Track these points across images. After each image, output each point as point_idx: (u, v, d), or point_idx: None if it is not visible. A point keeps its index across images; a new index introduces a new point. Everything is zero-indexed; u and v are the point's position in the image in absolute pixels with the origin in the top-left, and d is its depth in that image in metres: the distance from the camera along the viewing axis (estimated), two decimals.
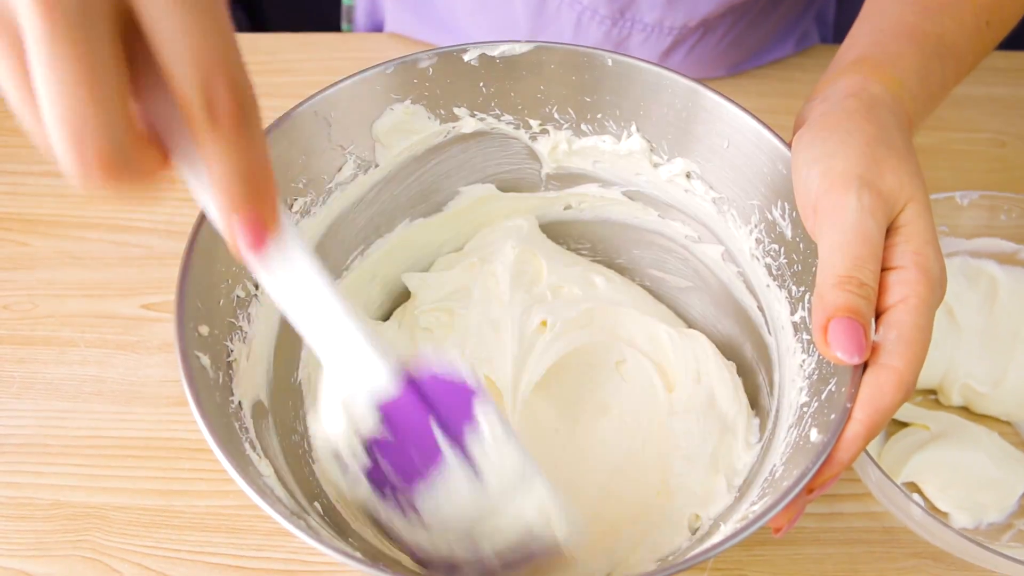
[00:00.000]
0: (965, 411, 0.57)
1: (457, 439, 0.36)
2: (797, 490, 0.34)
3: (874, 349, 0.36)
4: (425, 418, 0.36)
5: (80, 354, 0.58)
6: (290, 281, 0.33)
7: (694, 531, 0.45)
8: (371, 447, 0.37)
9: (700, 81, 0.45)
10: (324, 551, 0.34)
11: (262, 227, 0.29)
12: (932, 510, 0.51)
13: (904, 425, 0.57)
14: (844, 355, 0.35)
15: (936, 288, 0.37)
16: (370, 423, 0.36)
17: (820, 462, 0.35)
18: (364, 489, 0.38)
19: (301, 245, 0.32)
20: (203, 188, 0.30)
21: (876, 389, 0.35)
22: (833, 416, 0.36)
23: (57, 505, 0.52)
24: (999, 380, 0.56)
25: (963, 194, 0.55)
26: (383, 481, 0.37)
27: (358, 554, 0.36)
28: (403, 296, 0.55)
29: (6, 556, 0.50)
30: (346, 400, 0.36)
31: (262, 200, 0.29)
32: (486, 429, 0.36)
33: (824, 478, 0.35)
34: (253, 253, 0.30)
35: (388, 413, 0.36)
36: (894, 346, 0.35)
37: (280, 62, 0.75)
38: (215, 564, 0.50)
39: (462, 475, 0.37)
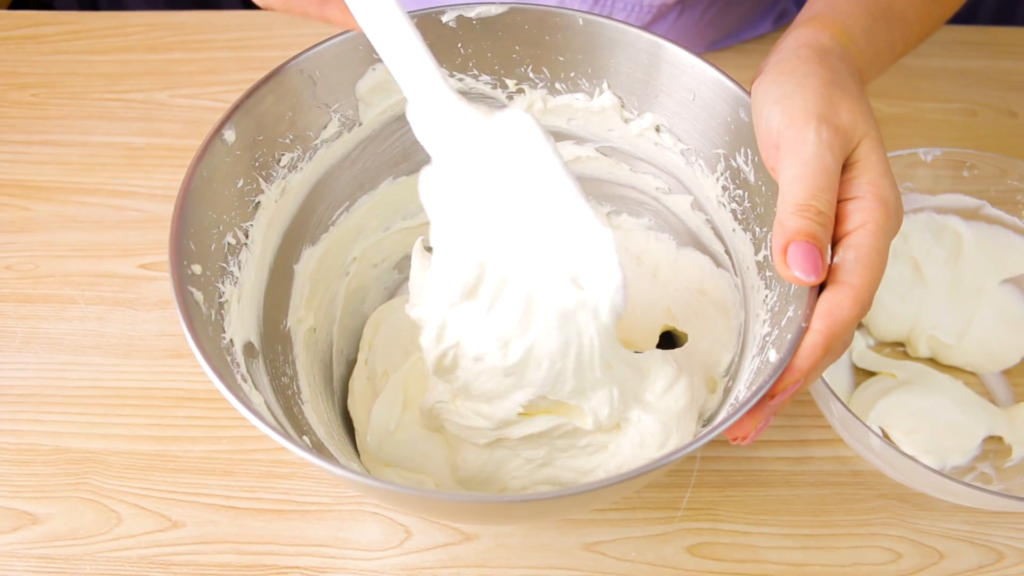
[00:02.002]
0: (932, 362, 0.60)
1: None
2: (758, 396, 0.36)
3: (833, 269, 0.38)
4: None
5: (80, 311, 0.61)
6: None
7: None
8: None
9: (667, 38, 0.47)
10: (315, 462, 0.36)
11: None
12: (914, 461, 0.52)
13: (872, 374, 0.59)
14: (802, 275, 0.37)
15: (892, 215, 0.39)
16: None
17: (780, 370, 0.36)
18: None
19: None
20: None
21: (834, 304, 0.37)
22: (790, 336, 0.38)
23: (58, 451, 0.54)
24: (964, 331, 0.58)
25: (926, 150, 0.57)
26: None
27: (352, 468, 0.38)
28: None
29: (9, 498, 0.53)
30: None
31: None
32: None
33: (785, 384, 0.37)
34: None
35: None
36: (852, 266, 0.38)
37: (274, 38, 0.77)
38: (209, 505, 0.53)
39: None
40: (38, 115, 0.71)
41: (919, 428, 0.55)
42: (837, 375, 0.58)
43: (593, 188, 0.56)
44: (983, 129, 0.74)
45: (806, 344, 0.37)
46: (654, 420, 0.45)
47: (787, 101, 0.40)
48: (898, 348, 0.60)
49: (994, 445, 0.56)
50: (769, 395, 0.37)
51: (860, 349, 0.59)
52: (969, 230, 0.59)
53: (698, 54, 0.46)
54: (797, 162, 0.39)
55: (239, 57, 0.76)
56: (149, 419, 0.56)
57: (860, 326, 0.60)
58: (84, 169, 0.68)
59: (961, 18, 0.84)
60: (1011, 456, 0.55)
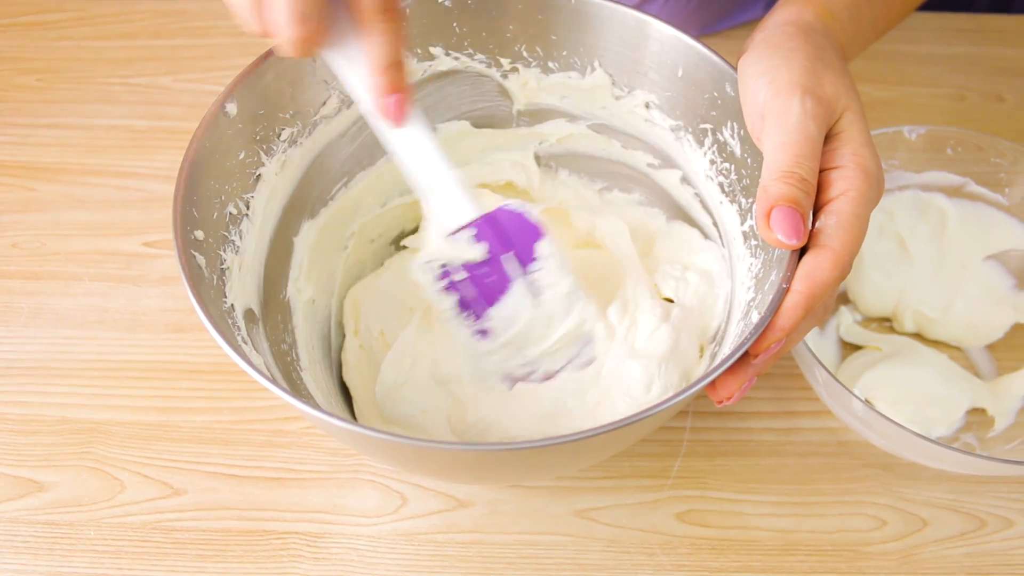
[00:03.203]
0: (918, 337, 0.61)
1: (524, 266, 0.48)
2: (739, 354, 0.37)
3: (814, 234, 0.39)
4: (500, 249, 0.47)
5: (85, 287, 0.62)
6: (410, 140, 0.44)
7: None
8: (460, 273, 0.48)
9: (655, 16, 0.48)
10: (308, 412, 0.37)
11: (406, 105, 0.43)
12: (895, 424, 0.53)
13: (859, 349, 0.60)
14: (784, 238, 0.38)
15: (873, 184, 0.40)
16: (462, 250, 0.47)
17: (761, 328, 0.38)
18: (448, 304, 0.48)
19: (419, 115, 0.44)
20: (356, 75, 0.42)
21: (815, 266, 0.39)
22: (771, 298, 0.39)
23: (63, 421, 0.56)
24: (948, 306, 0.60)
25: (911, 128, 0.58)
26: (466, 304, 0.49)
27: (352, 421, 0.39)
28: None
29: (17, 466, 0.54)
30: (443, 231, 0.47)
31: (405, 83, 0.42)
32: (546, 263, 0.48)
33: (767, 343, 0.38)
34: (398, 125, 0.43)
35: (475, 238, 0.47)
36: (833, 230, 0.39)
37: None
38: (210, 473, 0.54)
39: (526, 296, 0.48)
40: (44, 99, 0.73)
41: (904, 399, 0.56)
42: (825, 349, 0.60)
43: (586, 165, 0.58)
44: (971, 113, 0.75)
45: (787, 304, 0.38)
46: (638, 365, 0.46)
47: (773, 73, 0.42)
48: (885, 323, 0.62)
49: (977, 417, 0.57)
50: (753, 354, 0.39)
51: (847, 324, 0.61)
52: (953, 207, 0.60)
53: (684, 31, 0.47)
54: (781, 131, 0.40)
55: (241, 43, 0.77)
56: (152, 391, 0.57)
57: (847, 301, 0.62)
58: (89, 151, 0.70)
59: (960, 6, 0.86)
60: (993, 427, 0.56)
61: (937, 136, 0.59)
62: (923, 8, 0.83)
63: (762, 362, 0.39)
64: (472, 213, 0.46)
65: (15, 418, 0.56)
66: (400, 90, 0.42)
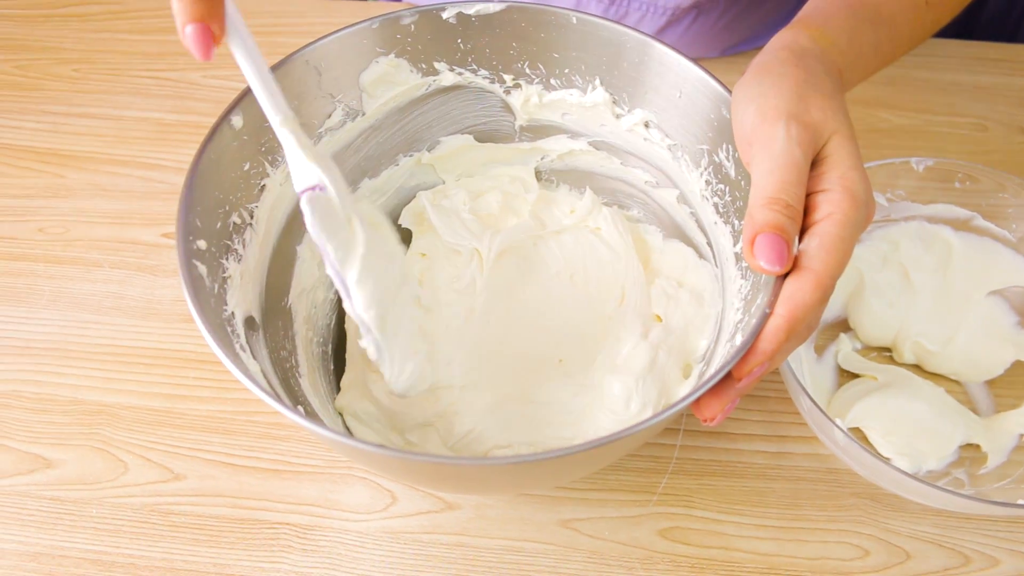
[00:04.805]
0: (917, 369, 0.61)
1: None
2: (720, 375, 0.38)
3: (797, 256, 0.40)
4: None
5: (104, 274, 0.65)
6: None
7: None
8: None
9: (655, 37, 0.49)
10: (300, 422, 0.38)
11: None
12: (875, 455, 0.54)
13: (855, 376, 0.60)
14: (767, 265, 0.39)
15: (861, 207, 0.40)
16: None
17: (743, 352, 0.38)
18: None
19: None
20: None
21: (796, 289, 0.39)
22: (754, 322, 0.39)
23: (74, 402, 0.58)
24: (949, 340, 0.59)
25: (919, 160, 0.58)
26: None
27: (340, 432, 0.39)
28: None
29: (28, 443, 0.57)
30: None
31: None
32: None
33: (749, 366, 0.39)
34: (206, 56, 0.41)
35: None
36: (815, 252, 0.39)
37: (307, 25, 0.81)
38: (209, 460, 0.56)
39: None
40: (78, 89, 0.76)
41: (896, 430, 0.56)
42: (821, 375, 0.60)
43: (586, 181, 0.59)
44: (991, 144, 0.74)
45: (769, 328, 0.39)
46: (617, 381, 0.47)
47: (761, 100, 0.42)
48: (884, 353, 0.62)
49: (971, 452, 0.57)
50: (736, 377, 0.39)
51: (845, 351, 0.61)
52: (959, 240, 0.60)
53: (683, 54, 0.48)
54: (768, 157, 0.41)
55: (271, 42, 0.79)
56: (161, 377, 0.60)
57: (848, 329, 0.62)
58: (117, 142, 0.72)
59: (1003, 36, 0.84)
60: (986, 464, 0.56)
61: (946, 168, 0.58)
62: (951, 35, 0.82)
63: (745, 384, 0.40)
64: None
65: (30, 396, 0.59)
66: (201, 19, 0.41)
